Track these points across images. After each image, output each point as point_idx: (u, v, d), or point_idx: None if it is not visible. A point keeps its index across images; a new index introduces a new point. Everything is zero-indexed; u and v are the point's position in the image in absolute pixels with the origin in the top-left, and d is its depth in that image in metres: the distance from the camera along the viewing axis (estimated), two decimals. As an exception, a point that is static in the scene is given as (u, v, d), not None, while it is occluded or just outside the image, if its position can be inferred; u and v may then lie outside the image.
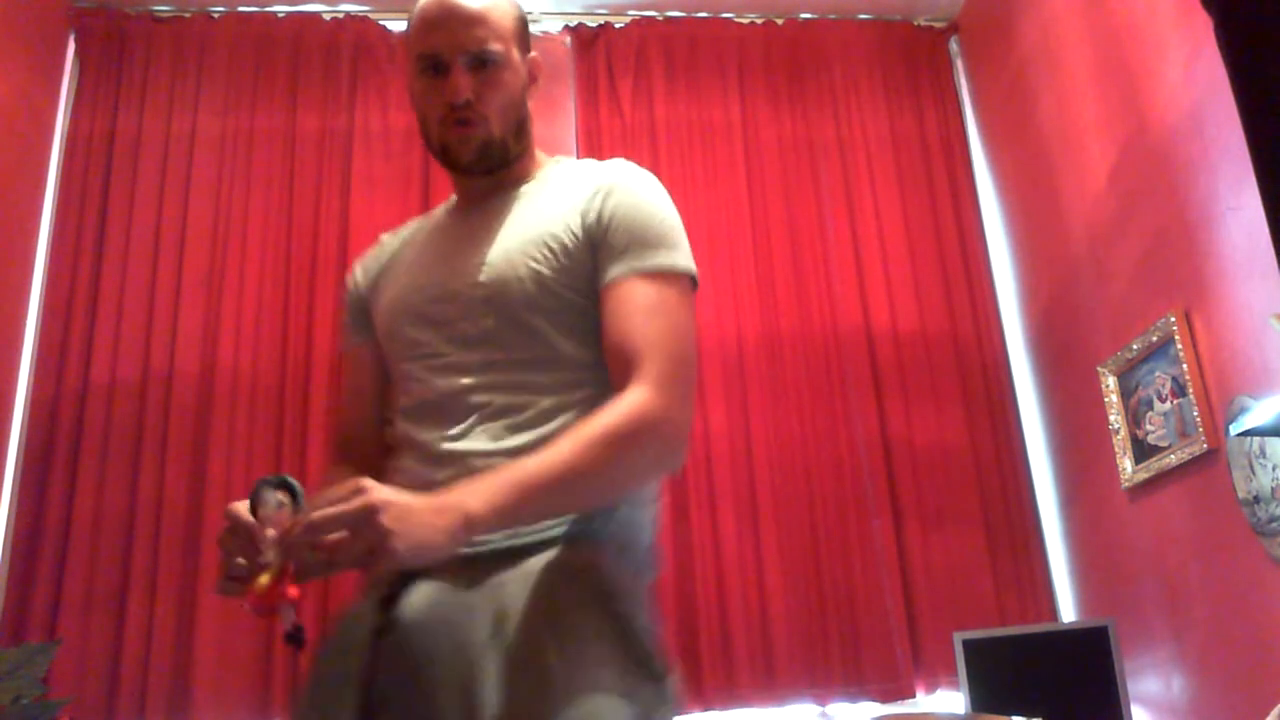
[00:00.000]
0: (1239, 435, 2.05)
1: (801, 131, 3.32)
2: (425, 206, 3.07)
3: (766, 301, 3.09)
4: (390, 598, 1.06)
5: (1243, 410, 2.10)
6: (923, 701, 2.78)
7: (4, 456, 2.73)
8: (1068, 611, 2.94)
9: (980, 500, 2.97)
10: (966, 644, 2.51)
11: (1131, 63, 2.52)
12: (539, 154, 1.33)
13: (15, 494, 2.71)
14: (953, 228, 3.27)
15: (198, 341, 2.88)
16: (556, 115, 3.25)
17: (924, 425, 3.02)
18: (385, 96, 3.19)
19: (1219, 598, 2.28)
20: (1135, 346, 2.53)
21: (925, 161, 3.34)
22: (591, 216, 1.19)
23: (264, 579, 0.91)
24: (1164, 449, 2.46)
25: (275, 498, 0.95)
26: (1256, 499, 2.13)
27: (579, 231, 1.18)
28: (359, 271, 1.40)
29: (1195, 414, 2.31)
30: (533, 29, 3.30)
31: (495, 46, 1.21)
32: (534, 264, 1.17)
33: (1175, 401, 2.42)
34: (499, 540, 1.05)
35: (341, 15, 3.27)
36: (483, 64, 1.20)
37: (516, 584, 1.03)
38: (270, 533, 0.92)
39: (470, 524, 0.95)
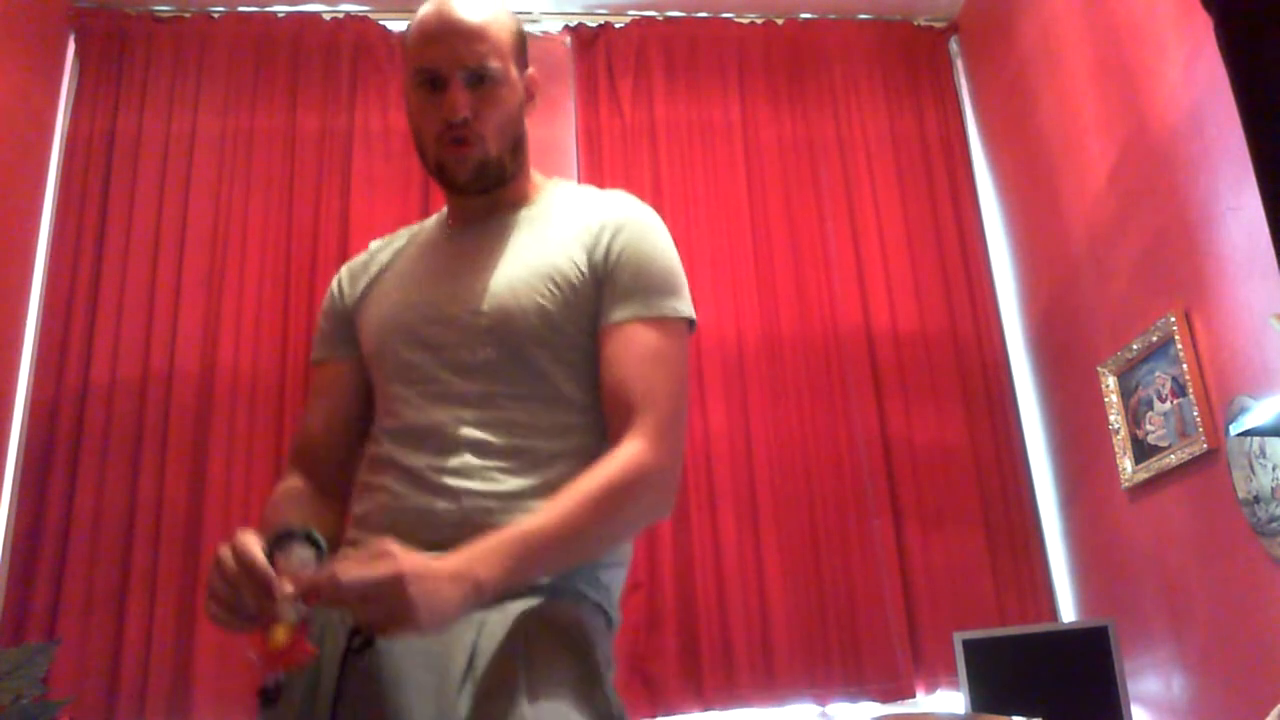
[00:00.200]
0: (1239, 435, 2.05)
1: (801, 131, 3.32)
2: (425, 206, 3.07)
3: (766, 301, 3.08)
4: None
5: (1243, 410, 2.10)
6: (923, 701, 2.78)
7: (4, 456, 2.73)
8: (1068, 611, 2.94)
9: (980, 500, 2.97)
10: (966, 644, 2.51)
11: (1131, 63, 2.52)
12: (536, 175, 1.31)
13: (15, 494, 2.71)
14: (953, 228, 3.27)
15: (198, 341, 2.88)
16: (556, 115, 3.25)
17: (924, 425, 3.02)
18: (385, 96, 3.19)
19: (1219, 598, 2.28)
20: (1135, 346, 2.53)
21: (925, 161, 3.34)
22: (599, 254, 1.18)
23: (280, 635, 0.89)
24: (1164, 449, 2.46)
25: (301, 554, 0.94)
26: (1256, 499, 2.13)
27: (584, 268, 1.18)
28: (345, 280, 1.36)
29: (1195, 414, 2.31)
30: (533, 29, 3.33)
31: (494, 64, 1.19)
32: (539, 298, 1.16)
33: (1175, 401, 2.42)
34: None
35: (341, 15, 3.27)
36: (481, 81, 1.19)
37: (497, 624, 1.03)
38: (288, 588, 0.90)
39: (480, 591, 0.96)
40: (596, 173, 3.13)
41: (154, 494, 2.72)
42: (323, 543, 0.96)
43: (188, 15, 3.22)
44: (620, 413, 1.13)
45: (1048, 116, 2.96)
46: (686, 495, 2.85)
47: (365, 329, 1.28)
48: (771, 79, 3.37)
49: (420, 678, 1.00)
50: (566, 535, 1.03)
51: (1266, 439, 2.07)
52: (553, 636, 1.05)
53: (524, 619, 1.05)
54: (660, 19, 3.38)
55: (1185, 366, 2.34)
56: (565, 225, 1.23)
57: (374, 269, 1.34)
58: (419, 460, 1.14)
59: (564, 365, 1.17)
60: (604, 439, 1.15)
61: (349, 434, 1.28)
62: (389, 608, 0.89)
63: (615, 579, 1.18)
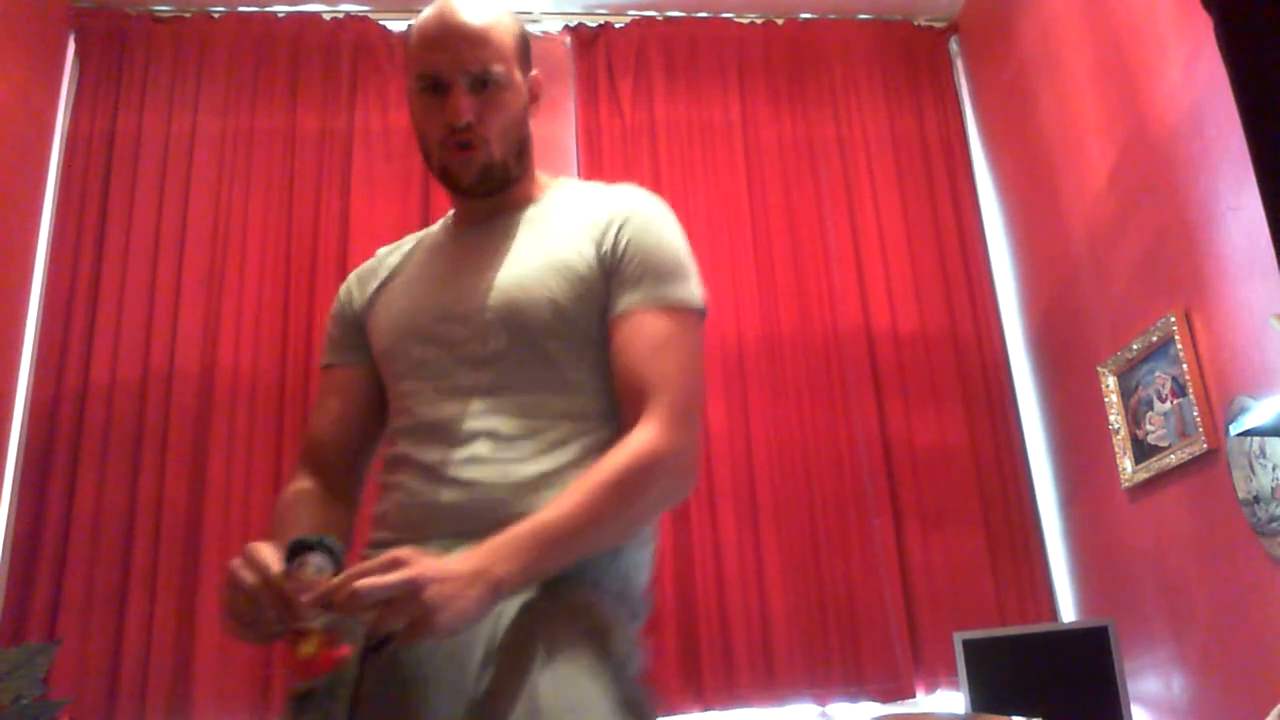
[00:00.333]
0: (1239, 435, 2.05)
1: (801, 131, 3.32)
2: (425, 207, 3.07)
3: (766, 301, 3.09)
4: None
5: (1243, 410, 2.11)
6: (923, 701, 2.78)
7: (4, 456, 2.73)
8: (1068, 611, 2.94)
9: (980, 500, 2.97)
10: (966, 644, 2.51)
11: (1131, 63, 2.52)
12: (541, 175, 1.31)
13: (15, 494, 2.71)
14: (953, 228, 3.27)
15: (198, 341, 2.88)
16: (556, 115, 3.25)
17: (924, 425, 3.02)
18: (385, 96, 3.19)
19: (1219, 598, 2.28)
20: (1135, 346, 2.53)
21: (925, 161, 3.34)
22: (606, 245, 1.18)
23: (308, 646, 0.90)
24: (1164, 449, 2.46)
25: (318, 562, 0.94)
26: (1256, 499, 2.13)
27: (593, 259, 1.18)
28: (354, 286, 1.36)
29: (1195, 414, 2.31)
30: (533, 29, 3.33)
31: (497, 68, 1.19)
32: (548, 290, 1.16)
33: (1175, 401, 2.42)
34: None
35: (341, 15, 3.27)
36: (484, 85, 1.18)
37: (516, 616, 1.03)
38: (307, 599, 0.91)
39: (498, 590, 0.96)
40: (596, 173, 3.13)
41: (154, 494, 2.72)
42: (339, 550, 0.96)
43: (188, 15, 3.22)
44: (632, 400, 1.12)
45: (1048, 116, 2.96)
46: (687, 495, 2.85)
47: (376, 332, 1.28)
48: (771, 79, 3.37)
49: (440, 673, 1.00)
50: (582, 525, 1.03)
51: (1266, 439, 2.07)
52: (571, 623, 1.04)
53: (542, 608, 1.04)
54: (660, 19, 3.38)
55: (1185, 366, 2.34)
56: (572, 220, 1.23)
57: (382, 274, 1.34)
58: (432, 455, 1.14)
59: (575, 355, 1.17)
60: (617, 426, 1.15)
61: (357, 436, 1.29)
62: (407, 614, 0.89)
63: (635, 565, 1.16)
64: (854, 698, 2.75)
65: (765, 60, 3.40)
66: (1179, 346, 2.35)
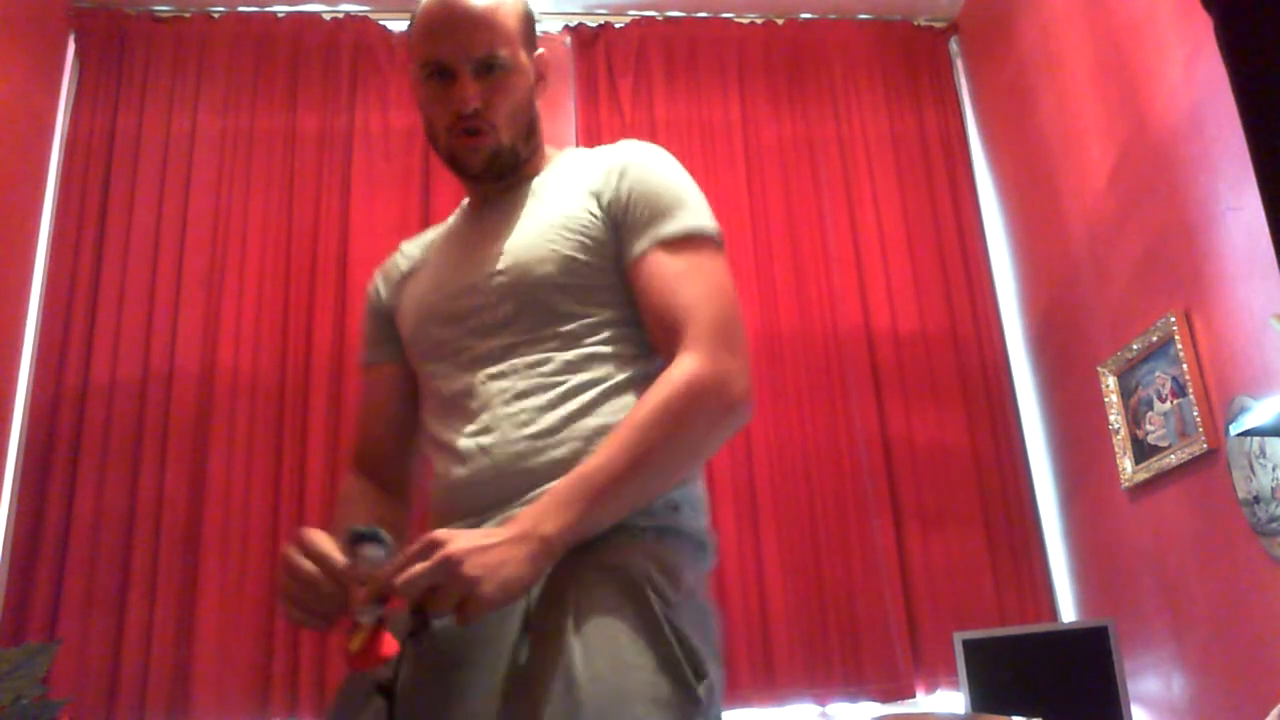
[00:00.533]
0: (1239, 435, 2.05)
1: (801, 131, 3.32)
2: (425, 206, 3.07)
3: (766, 301, 3.09)
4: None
5: (1243, 410, 2.11)
6: (923, 701, 2.78)
7: (4, 456, 2.73)
8: (1068, 611, 2.94)
9: (980, 500, 2.97)
10: (966, 644, 2.51)
11: (1131, 63, 2.52)
12: (548, 149, 1.31)
13: (15, 494, 2.71)
14: (953, 228, 3.27)
15: (198, 341, 2.88)
16: (556, 115, 3.25)
17: (924, 425, 3.02)
18: (385, 96, 3.19)
19: (1219, 598, 2.28)
20: (1135, 346, 2.53)
21: (925, 161, 3.34)
22: (608, 196, 1.17)
23: (356, 643, 0.90)
24: (1164, 449, 2.46)
25: (372, 554, 0.94)
26: (1256, 499, 2.13)
27: (597, 211, 1.17)
28: (380, 283, 1.37)
29: (1195, 414, 2.31)
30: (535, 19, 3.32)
31: (503, 51, 1.18)
32: (554, 246, 1.15)
33: (1175, 401, 2.42)
34: None
35: (341, 15, 3.27)
36: (490, 70, 1.18)
37: (549, 584, 1.00)
38: (361, 592, 0.91)
39: (550, 548, 0.95)
40: (596, 173, 3.13)
41: (154, 494, 2.72)
42: (389, 540, 0.95)
43: (188, 15, 3.22)
44: (665, 337, 1.10)
45: (1048, 116, 2.96)
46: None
47: (403, 323, 1.28)
48: (771, 79, 3.37)
49: (477, 653, 0.99)
50: (629, 466, 0.99)
51: (1266, 439, 2.07)
52: (604, 583, 0.99)
53: (576, 573, 1.00)
54: (660, 19, 3.38)
55: (1185, 366, 2.34)
56: (574, 179, 1.22)
57: (405, 266, 1.35)
58: (450, 432, 1.14)
59: (586, 307, 1.15)
60: (643, 367, 1.14)
61: (402, 432, 1.29)
62: (452, 592, 0.88)
63: (674, 499, 1.10)
64: (854, 698, 2.75)
65: (765, 60, 3.40)
66: (1179, 346, 2.35)
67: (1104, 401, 2.68)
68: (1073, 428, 2.91)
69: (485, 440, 1.10)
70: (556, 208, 1.19)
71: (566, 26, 3.37)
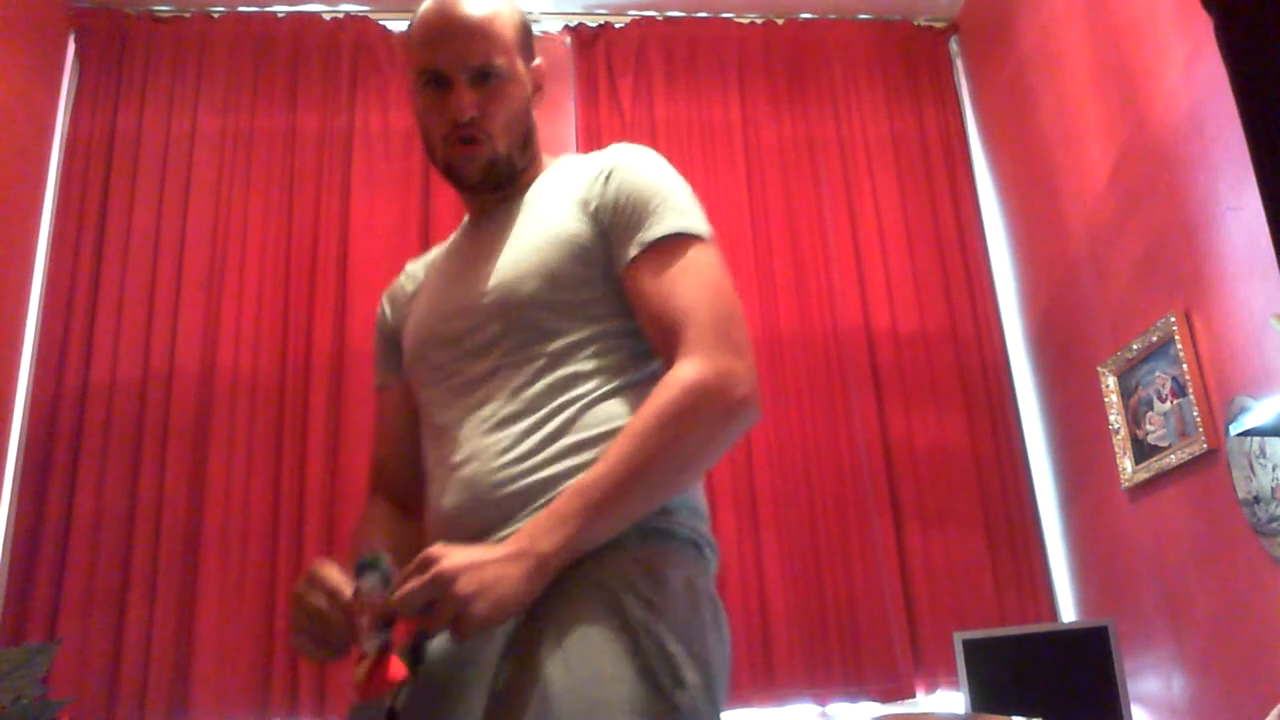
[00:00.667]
0: (1239, 435, 2.05)
1: (801, 131, 3.32)
2: (425, 207, 3.07)
3: (766, 301, 3.09)
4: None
5: (1243, 410, 2.11)
6: (923, 701, 2.78)
7: (4, 456, 2.73)
8: (1068, 611, 2.94)
9: (980, 500, 2.97)
10: (966, 644, 2.51)
11: (1131, 63, 2.52)
12: (545, 157, 1.31)
13: (15, 494, 2.71)
14: (953, 228, 3.27)
15: (198, 341, 2.88)
16: (556, 115, 3.25)
17: (924, 425, 3.02)
18: (385, 96, 3.19)
19: (1219, 598, 2.28)
20: (1135, 346, 2.53)
21: (925, 161, 3.34)
22: (595, 203, 1.16)
23: (360, 671, 0.90)
24: (1164, 449, 2.46)
25: (368, 582, 0.94)
26: (1256, 499, 2.13)
27: (584, 219, 1.16)
28: (386, 305, 1.37)
29: (1195, 414, 2.31)
30: (533, 29, 3.32)
31: (499, 60, 1.17)
32: (540, 258, 1.14)
33: (1175, 401, 2.42)
34: None
35: (341, 15, 3.27)
36: (486, 78, 1.17)
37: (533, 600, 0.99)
38: (364, 620, 0.92)
39: (545, 565, 0.94)
40: (596, 173, 3.13)
41: (154, 494, 2.72)
42: (388, 567, 0.95)
43: (188, 15, 3.22)
44: (666, 342, 1.08)
45: (1048, 116, 2.96)
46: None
47: (405, 345, 1.28)
48: (771, 79, 3.37)
49: (463, 672, 0.99)
50: (628, 476, 0.97)
51: (1266, 439, 2.07)
52: (583, 592, 0.98)
53: (559, 586, 0.98)
54: (660, 19, 3.38)
55: (1185, 366, 2.34)
56: (563, 188, 1.21)
57: (409, 288, 1.35)
58: (440, 460, 1.14)
59: (574, 321, 1.13)
60: (635, 375, 1.13)
61: (414, 451, 1.27)
62: (446, 609, 0.88)
63: (681, 500, 1.08)
64: (854, 698, 2.75)
65: (765, 60, 3.40)
66: (1179, 346, 2.35)
67: (1104, 401, 2.68)
68: (1073, 428, 2.91)
69: (466, 472, 1.09)
70: (546, 219, 1.18)
71: (566, 26, 3.37)
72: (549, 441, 1.07)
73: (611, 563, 1.01)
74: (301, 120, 3.15)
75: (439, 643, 1.02)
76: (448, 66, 1.16)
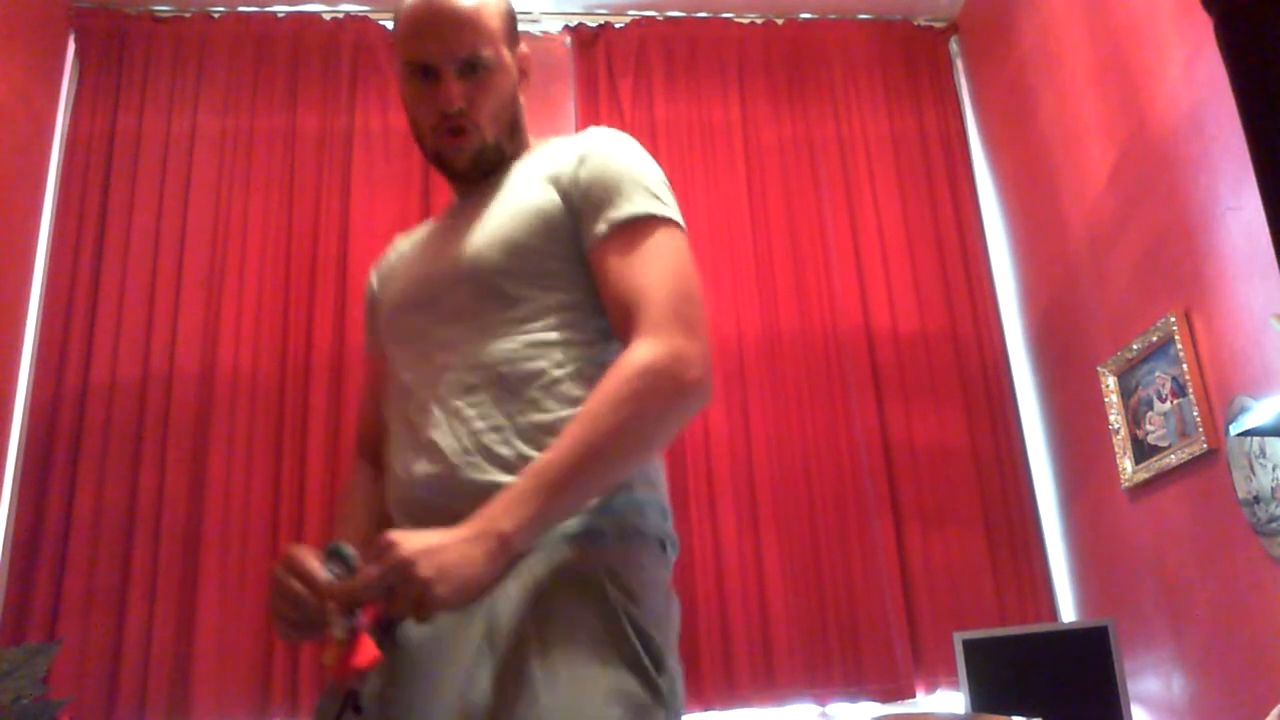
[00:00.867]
0: (1239, 435, 2.05)
1: (801, 131, 3.32)
2: (425, 206, 3.07)
3: (766, 301, 3.09)
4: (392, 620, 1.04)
5: (1243, 410, 2.10)
6: (923, 701, 2.78)
7: (4, 456, 2.73)
8: (1068, 611, 2.94)
9: (980, 500, 2.97)
10: (966, 644, 2.51)
11: (1131, 63, 2.52)
12: (532, 141, 1.32)
13: (15, 494, 2.71)
14: (953, 228, 3.27)
15: (198, 341, 2.88)
16: (556, 115, 3.25)
17: (924, 425, 3.02)
18: (385, 96, 3.20)
19: (1219, 598, 2.28)
20: (1135, 346, 2.53)
21: (925, 161, 3.34)
22: (566, 181, 1.17)
23: (329, 657, 0.92)
24: (1164, 449, 2.46)
25: (334, 569, 0.96)
26: (1256, 499, 2.13)
27: (555, 197, 1.17)
28: (373, 275, 1.41)
29: (1195, 414, 2.31)
30: (533, 29, 3.33)
31: (486, 51, 1.19)
32: (508, 231, 1.16)
33: (1175, 401, 2.42)
34: None
35: (341, 15, 3.27)
36: (473, 69, 1.19)
37: (508, 590, 1.01)
38: (332, 605, 0.93)
39: (507, 545, 0.95)
40: (596, 173, 3.13)
41: (154, 494, 2.72)
42: (348, 552, 0.97)
43: (188, 15, 3.22)
44: (622, 322, 1.10)
45: (1048, 116, 2.96)
46: (686, 495, 2.85)
47: (381, 310, 1.30)
48: (771, 79, 3.37)
49: (431, 665, 1.00)
50: (587, 456, 0.99)
51: (1266, 439, 2.07)
52: (566, 586, 1.01)
53: (534, 577, 1.01)
54: (660, 19, 3.38)
55: (1185, 366, 2.34)
56: (541, 166, 1.23)
57: (393, 259, 1.38)
58: (406, 420, 1.15)
59: (539, 290, 1.15)
60: (602, 354, 1.14)
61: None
62: (408, 595, 0.89)
63: (635, 500, 1.11)
64: (854, 698, 2.75)
65: (765, 60, 3.40)
66: (1179, 346, 2.35)
67: (1104, 401, 2.68)
68: (1073, 428, 2.91)
69: (434, 435, 1.10)
70: (517, 195, 1.20)
71: (566, 26, 3.37)
72: (518, 415, 1.09)
73: (593, 556, 1.04)
74: (301, 120, 3.15)
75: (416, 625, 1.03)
76: (435, 58, 1.18)
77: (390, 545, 0.91)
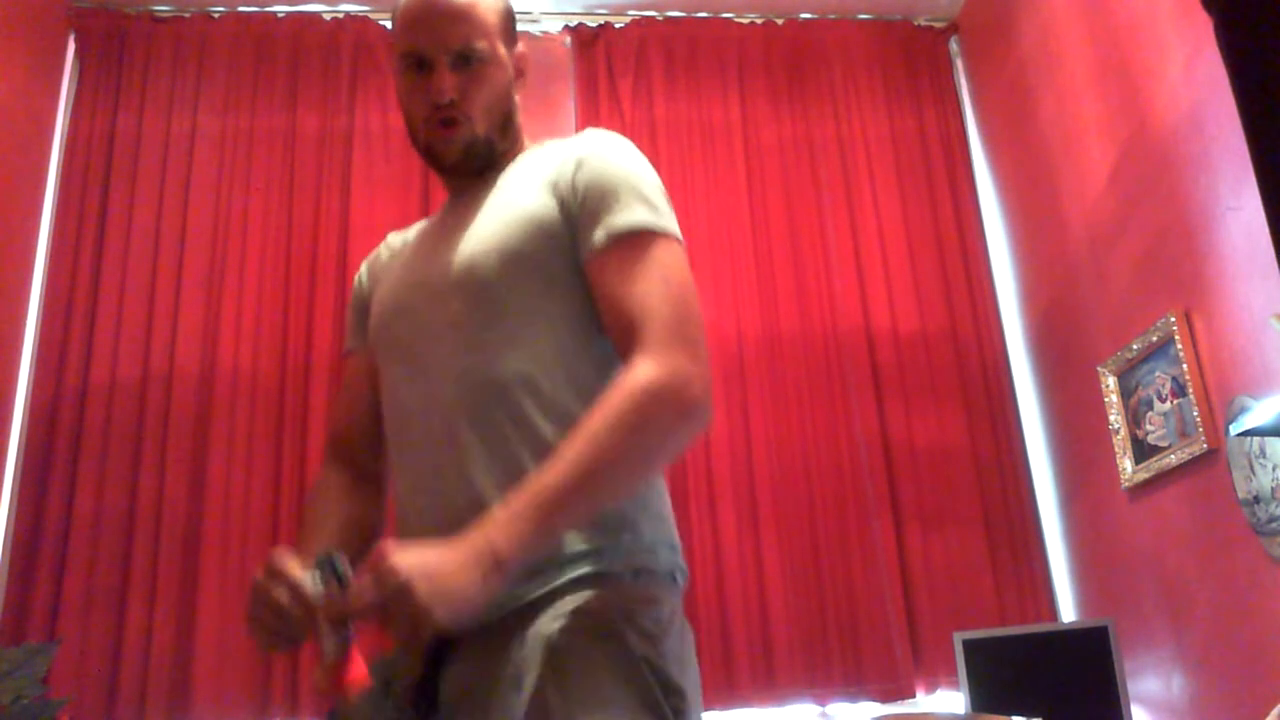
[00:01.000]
0: (1239, 435, 2.05)
1: (801, 131, 3.32)
2: (425, 206, 3.07)
3: (766, 301, 3.08)
4: (426, 678, 1.04)
5: (1243, 410, 2.10)
6: (923, 701, 2.78)
7: (4, 456, 2.72)
8: (1068, 611, 2.94)
9: (980, 500, 2.97)
10: (966, 644, 2.51)
11: (1131, 63, 2.52)
12: (526, 141, 1.31)
13: (15, 494, 2.71)
14: (953, 228, 3.27)
15: (198, 341, 2.88)
16: (556, 115, 3.25)
17: (924, 425, 3.02)
18: (385, 96, 3.19)
19: (1219, 598, 2.28)
20: (1135, 346, 2.53)
21: (925, 161, 3.34)
22: (564, 189, 1.15)
23: (321, 675, 0.90)
24: (1164, 449, 2.46)
25: (325, 583, 0.94)
26: (1256, 499, 2.13)
27: (552, 204, 1.15)
28: (364, 273, 1.39)
29: (1195, 414, 2.31)
30: (533, 29, 3.33)
31: (480, 44, 1.19)
32: (503, 238, 1.14)
33: (1175, 401, 2.42)
34: (510, 603, 1.02)
35: (341, 15, 3.27)
36: (467, 62, 1.19)
37: (529, 646, 1.00)
38: (323, 623, 0.92)
39: (502, 566, 0.93)
40: (596, 173, 3.13)
41: (154, 494, 2.72)
42: (340, 565, 0.95)
43: (188, 15, 3.22)
44: (621, 338, 1.08)
45: (1048, 116, 2.96)
46: (686, 495, 2.85)
47: (371, 314, 1.28)
48: (771, 79, 3.37)
49: (466, 709, 1.00)
50: (583, 477, 0.97)
51: (1266, 439, 2.07)
52: (583, 628, 1.00)
53: (552, 628, 1.00)
54: (660, 19, 3.38)
55: (1185, 366, 2.34)
56: (535, 171, 1.21)
57: (386, 257, 1.36)
58: (401, 443, 1.15)
59: (534, 298, 1.13)
60: (601, 367, 1.13)
61: (377, 418, 1.27)
62: (405, 618, 0.88)
63: (645, 536, 1.10)
64: (854, 698, 2.75)
65: (765, 60, 3.40)
66: (1179, 346, 2.35)
67: (1104, 401, 2.68)
68: (1073, 428, 2.91)
69: (430, 455, 1.10)
70: (513, 199, 1.18)
71: (566, 26, 3.37)
72: (513, 432, 1.08)
73: (610, 601, 1.03)
74: (301, 120, 3.15)
75: (450, 689, 1.03)
76: (429, 49, 1.18)
77: (390, 568, 0.89)
